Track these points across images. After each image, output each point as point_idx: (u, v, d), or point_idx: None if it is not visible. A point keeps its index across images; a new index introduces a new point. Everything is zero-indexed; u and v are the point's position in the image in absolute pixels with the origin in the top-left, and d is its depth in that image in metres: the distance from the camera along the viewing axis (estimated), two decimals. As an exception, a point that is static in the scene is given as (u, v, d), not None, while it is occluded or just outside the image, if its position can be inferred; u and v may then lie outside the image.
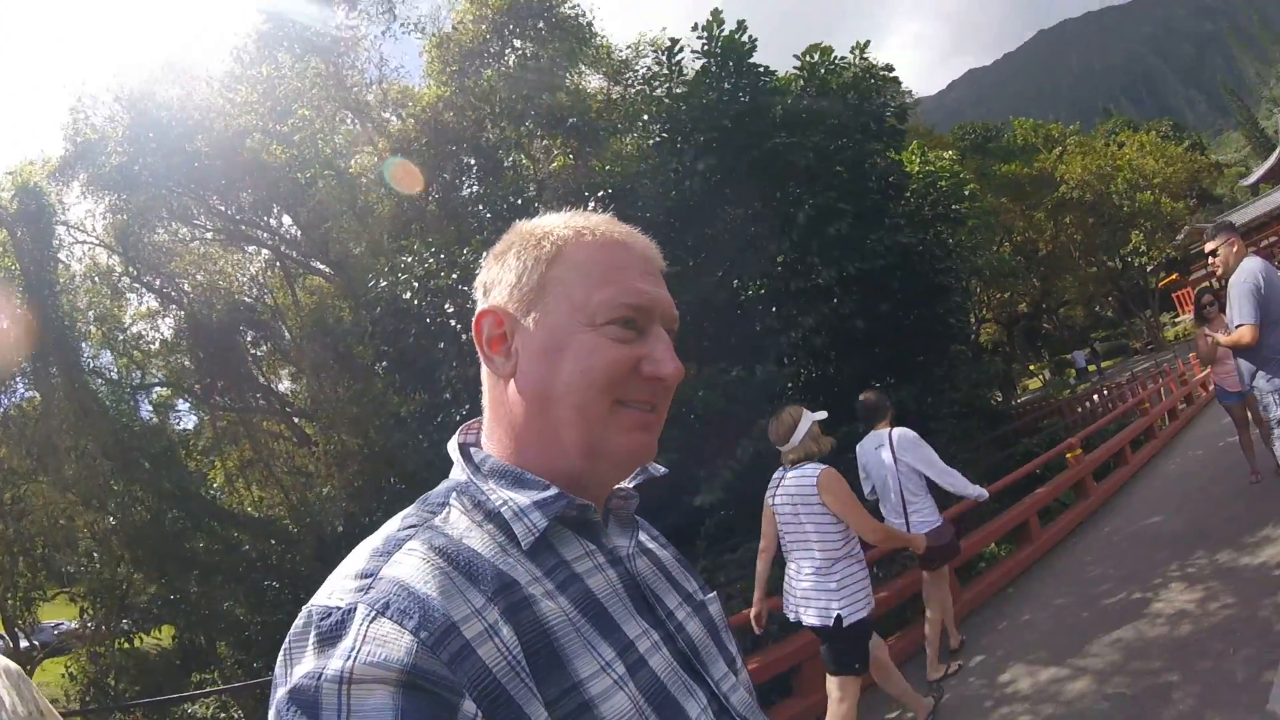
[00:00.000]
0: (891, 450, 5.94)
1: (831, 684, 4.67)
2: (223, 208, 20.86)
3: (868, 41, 13.97)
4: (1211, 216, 67.29)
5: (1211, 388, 12.46)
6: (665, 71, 14.30)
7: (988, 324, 41.35)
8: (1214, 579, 6.51)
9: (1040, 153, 39.42)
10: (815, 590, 4.51)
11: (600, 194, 12.62)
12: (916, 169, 16.01)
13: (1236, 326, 5.30)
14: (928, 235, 14.55)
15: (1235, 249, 5.52)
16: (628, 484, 1.09)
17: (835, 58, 13.87)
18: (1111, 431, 15.15)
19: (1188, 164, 47.78)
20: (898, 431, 5.99)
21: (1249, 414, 8.85)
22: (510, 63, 20.51)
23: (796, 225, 11.79)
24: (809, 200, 11.89)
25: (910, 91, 37.90)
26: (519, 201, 13.76)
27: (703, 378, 11.34)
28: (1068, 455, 11.57)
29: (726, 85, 12.81)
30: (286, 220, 21.89)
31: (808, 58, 13.79)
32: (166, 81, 18.90)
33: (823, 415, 4.68)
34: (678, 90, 13.66)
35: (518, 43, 21.65)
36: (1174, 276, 56.57)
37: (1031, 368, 50.73)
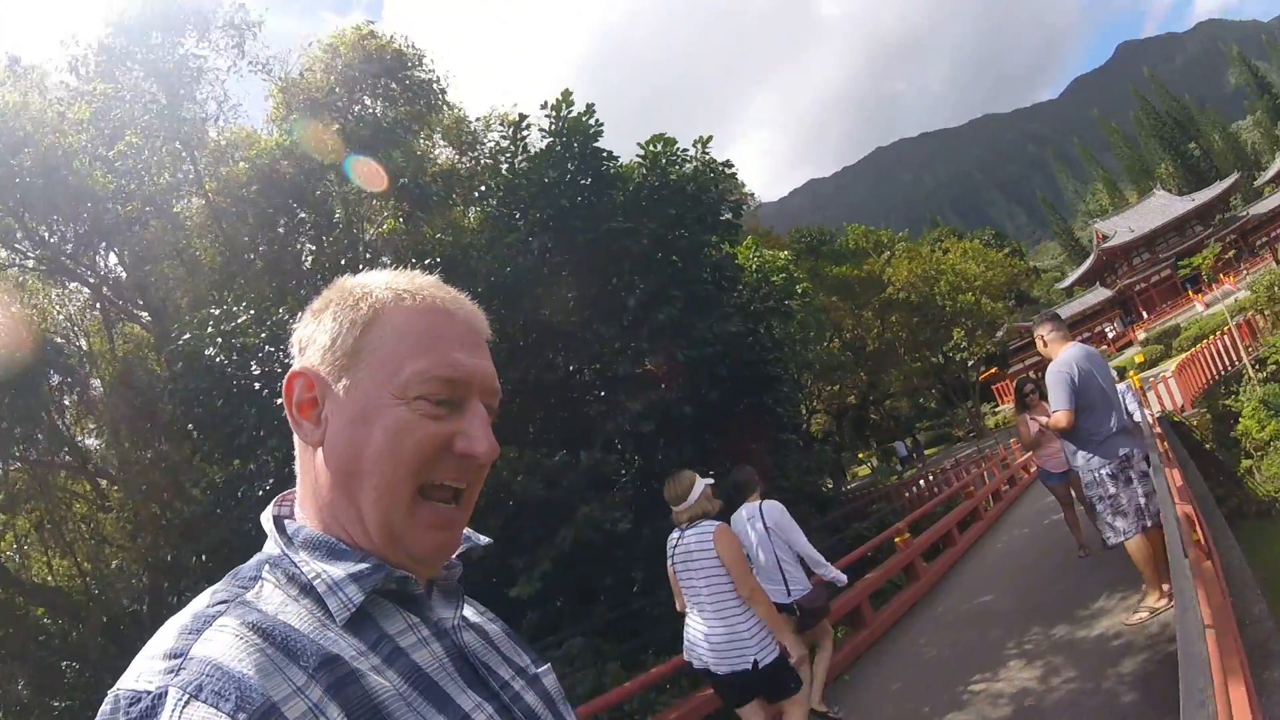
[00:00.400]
0: (763, 520, 6.24)
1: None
2: (46, 234, 18.91)
3: (710, 137, 14.28)
4: (1028, 316, 73.40)
5: (1034, 470, 13.07)
6: (511, 147, 14.24)
7: (818, 414, 43.24)
8: (1053, 654, 6.59)
9: (870, 256, 42.09)
10: (727, 642, 4.74)
11: (428, 261, 12.25)
12: (752, 264, 16.46)
13: (1053, 412, 5.84)
14: (758, 327, 14.83)
15: (1055, 339, 6.09)
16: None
17: (678, 149, 14.11)
18: (939, 514, 15.60)
19: (1007, 268, 52.17)
20: (768, 503, 6.34)
21: (1072, 492, 9.32)
22: (355, 118, 19.88)
23: (627, 309, 11.79)
24: (641, 285, 11.91)
25: (753, 194, 39.99)
26: (342, 261, 13.20)
27: (524, 462, 10.95)
28: (896, 540, 11.75)
29: (570, 166, 12.79)
30: (112, 259, 20.41)
31: (651, 147, 13.94)
32: (7, 84, 17.34)
33: (711, 480, 5.02)
34: (521, 165, 13.56)
35: (368, 100, 21.10)
36: (993, 370, 61.26)
37: (860, 456, 53.05)
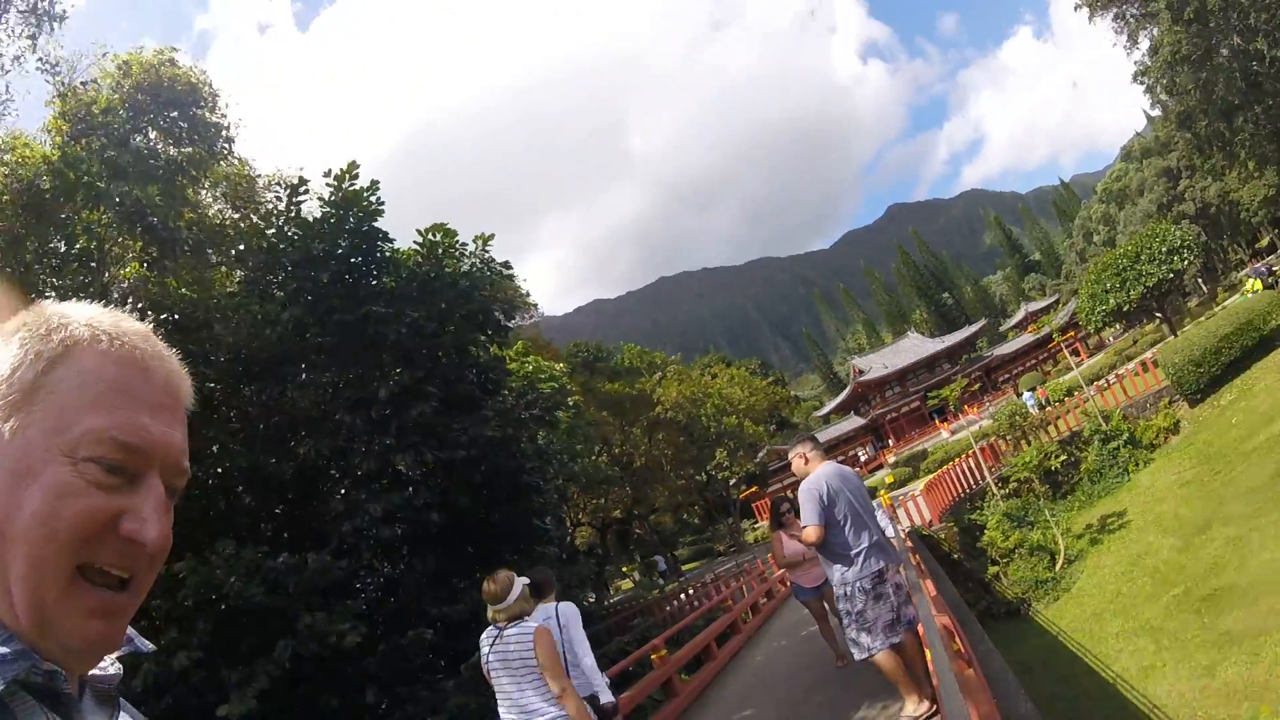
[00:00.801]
0: (558, 621, 6.40)
1: None
2: None
3: (491, 235, 13.94)
4: (788, 440, 77.90)
5: (789, 585, 13.14)
6: (284, 210, 13.11)
7: (583, 527, 43.19)
8: (819, 769, 6.27)
9: (643, 376, 43.41)
10: None
11: (164, 316, 10.84)
12: (524, 370, 16.07)
13: (804, 527, 6.02)
14: (520, 434, 14.18)
15: (808, 459, 6.31)
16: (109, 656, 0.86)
17: (457, 242, 13.67)
18: (700, 628, 15.51)
19: (769, 395, 55.42)
20: (563, 605, 6.55)
21: (825, 605, 9.33)
22: (132, 148, 17.74)
23: (379, 402, 10.85)
24: (397, 377, 11.10)
25: (537, 305, 40.18)
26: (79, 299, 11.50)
27: (241, 561, 9.62)
28: (653, 656, 11.28)
29: (342, 241, 11.99)
30: None
31: (430, 236, 13.42)
32: None
33: (527, 580, 5.35)
34: (290, 232, 12.53)
35: (153, 133, 18.93)
36: (754, 489, 63.78)
37: (624, 569, 53.09)
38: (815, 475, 6.13)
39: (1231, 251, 72.53)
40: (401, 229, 13.37)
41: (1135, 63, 37.69)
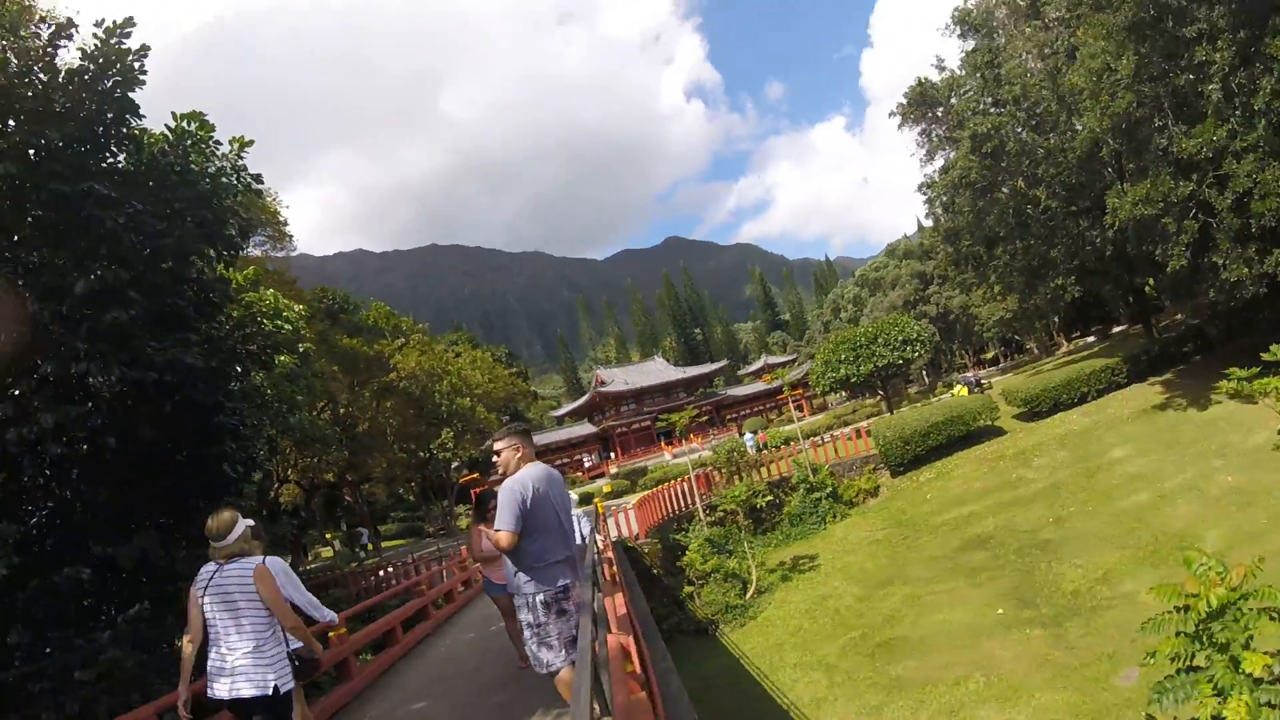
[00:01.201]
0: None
1: None
2: None
3: (251, 141, 12.32)
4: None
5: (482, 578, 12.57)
6: (39, 50, 10.72)
7: (290, 485, 40.11)
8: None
9: (385, 339, 41.06)
10: (252, 667, 5.18)
11: None
12: (252, 300, 14.51)
13: (496, 530, 5.51)
14: (231, 370, 12.64)
15: (519, 454, 5.84)
16: None
17: (212, 139, 12.00)
18: (391, 608, 14.86)
19: (509, 385, 54.51)
20: (271, 559, 6.29)
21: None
22: None
23: (73, 296, 9.10)
24: (100, 271, 9.39)
25: (293, 238, 36.86)
26: None
27: None
28: (330, 635, 10.38)
29: (90, 102, 10.05)
30: None
31: (183, 124, 11.76)
32: None
33: (252, 522, 5.66)
34: (35, 78, 10.24)
35: None
36: (475, 475, 62.86)
37: (328, 535, 50.25)
38: (523, 475, 5.68)
39: (959, 355, 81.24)
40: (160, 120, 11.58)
41: (925, 175, 41.29)
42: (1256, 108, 21.07)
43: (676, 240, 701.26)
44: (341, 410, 38.68)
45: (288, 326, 14.67)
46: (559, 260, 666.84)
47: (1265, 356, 10.31)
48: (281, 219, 35.37)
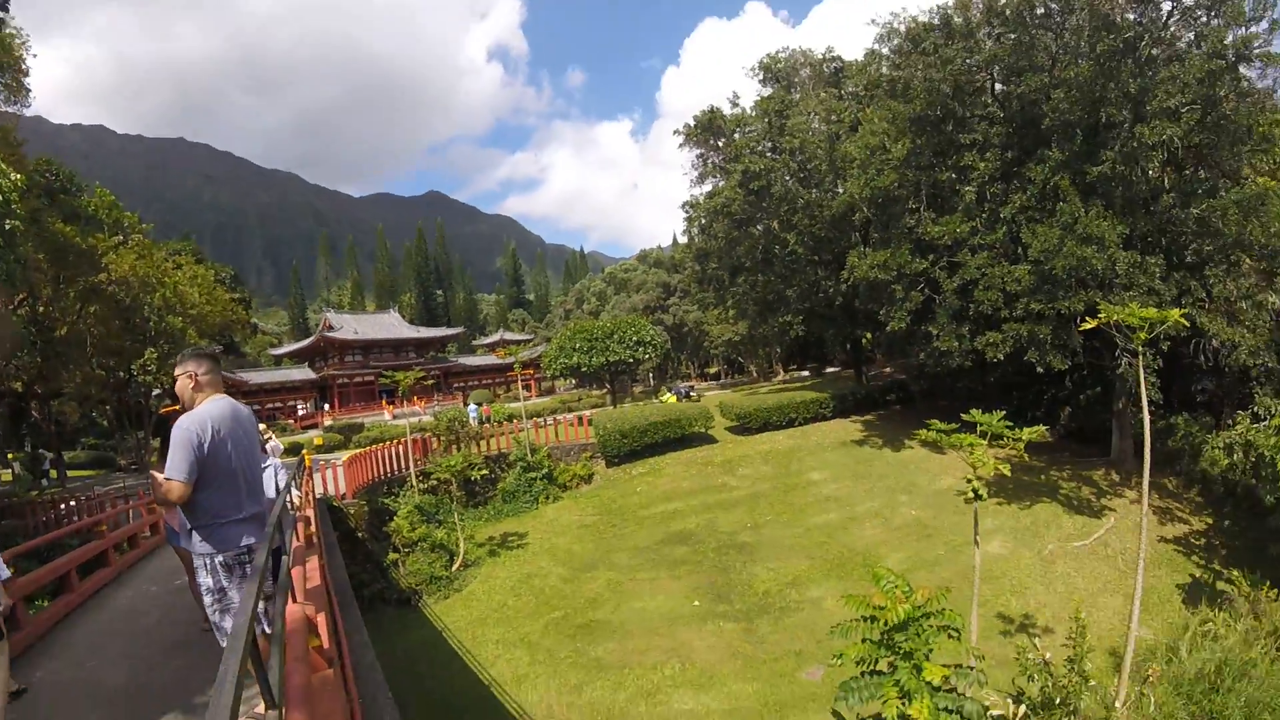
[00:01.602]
0: None
1: None
2: None
3: None
4: (232, 368, 72.39)
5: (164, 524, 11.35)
6: None
7: None
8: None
9: (103, 234, 35.97)
10: None
11: None
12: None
13: (166, 477, 4.53)
14: None
15: (197, 385, 4.95)
16: None
17: None
18: (70, 548, 13.32)
19: (227, 311, 50.07)
20: None
21: None
22: None
23: None
24: None
25: (30, 91, 31.36)
26: None
27: None
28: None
29: None
30: None
31: None
32: None
33: None
34: None
35: None
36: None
37: (10, 456, 43.31)
38: (202, 412, 4.76)
39: (685, 365, 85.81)
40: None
41: (692, 195, 43.80)
42: (1003, 215, 24.34)
43: (439, 196, 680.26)
44: (40, 308, 33.33)
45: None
46: (311, 187, 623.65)
47: (965, 417, 11.82)
48: (24, 65, 29.93)
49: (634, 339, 41.02)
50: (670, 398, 41.34)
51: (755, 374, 74.23)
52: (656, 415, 31.90)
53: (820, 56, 42.00)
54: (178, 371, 4.95)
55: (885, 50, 32.38)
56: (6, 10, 10.63)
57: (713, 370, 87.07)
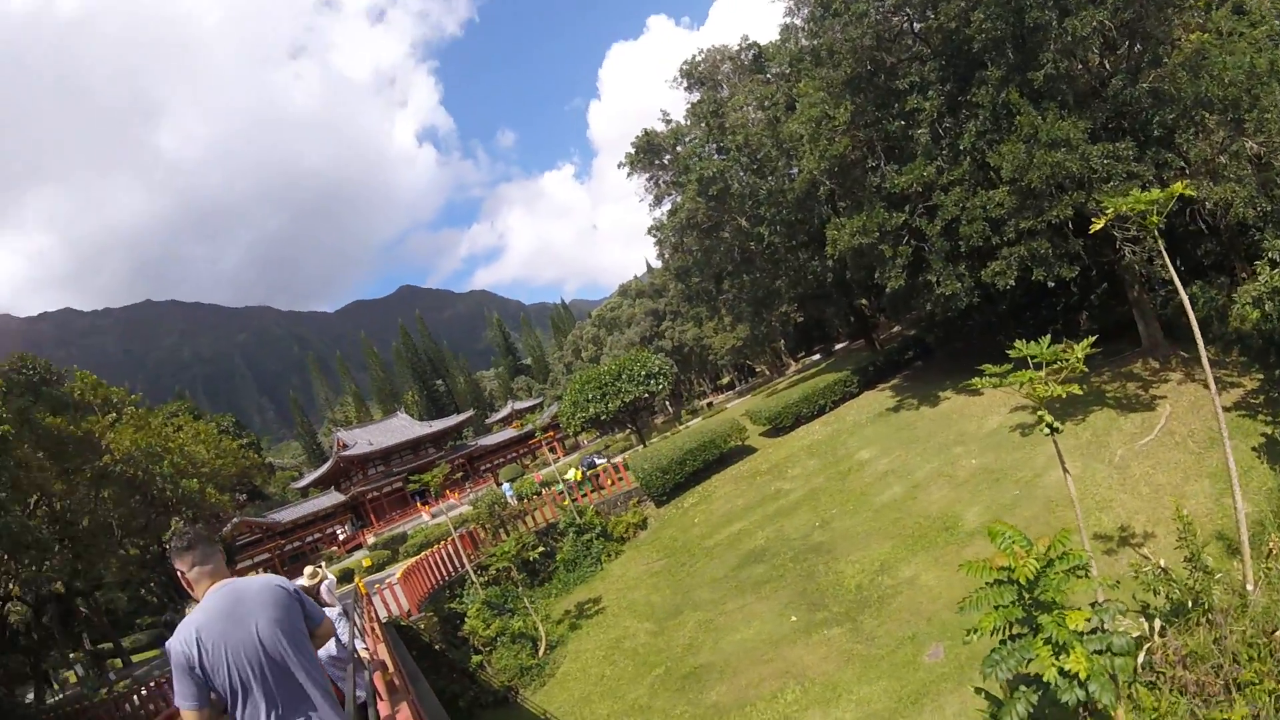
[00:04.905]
0: None
1: None
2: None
3: None
4: (262, 511, 72.12)
5: None
6: None
7: (15, 603, 33.59)
8: None
9: (95, 415, 35.83)
10: None
11: None
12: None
13: (177, 707, 3.91)
14: None
15: (188, 583, 4.16)
16: None
17: None
18: None
19: (240, 459, 50.02)
20: None
21: None
22: None
23: None
24: None
25: None
26: None
27: None
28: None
29: None
30: None
31: None
32: None
33: None
34: None
35: None
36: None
37: (72, 656, 42.69)
38: (187, 623, 3.97)
39: (696, 384, 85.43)
40: None
41: (654, 219, 43.89)
42: (962, 147, 24.21)
43: (410, 289, 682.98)
44: (58, 505, 33.05)
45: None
46: (286, 315, 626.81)
47: (1013, 352, 11.47)
48: None
49: (643, 374, 40.66)
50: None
51: (768, 373, 73.85)
52: (689, 442, 31.57)
53: (736, 48, 42.31)
54: (178, 568, 4.15)
55: (798, 22, 32.51)
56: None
57: (725, 381, 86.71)
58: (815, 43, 28.77)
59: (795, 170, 33.01)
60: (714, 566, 23.35)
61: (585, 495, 31.34)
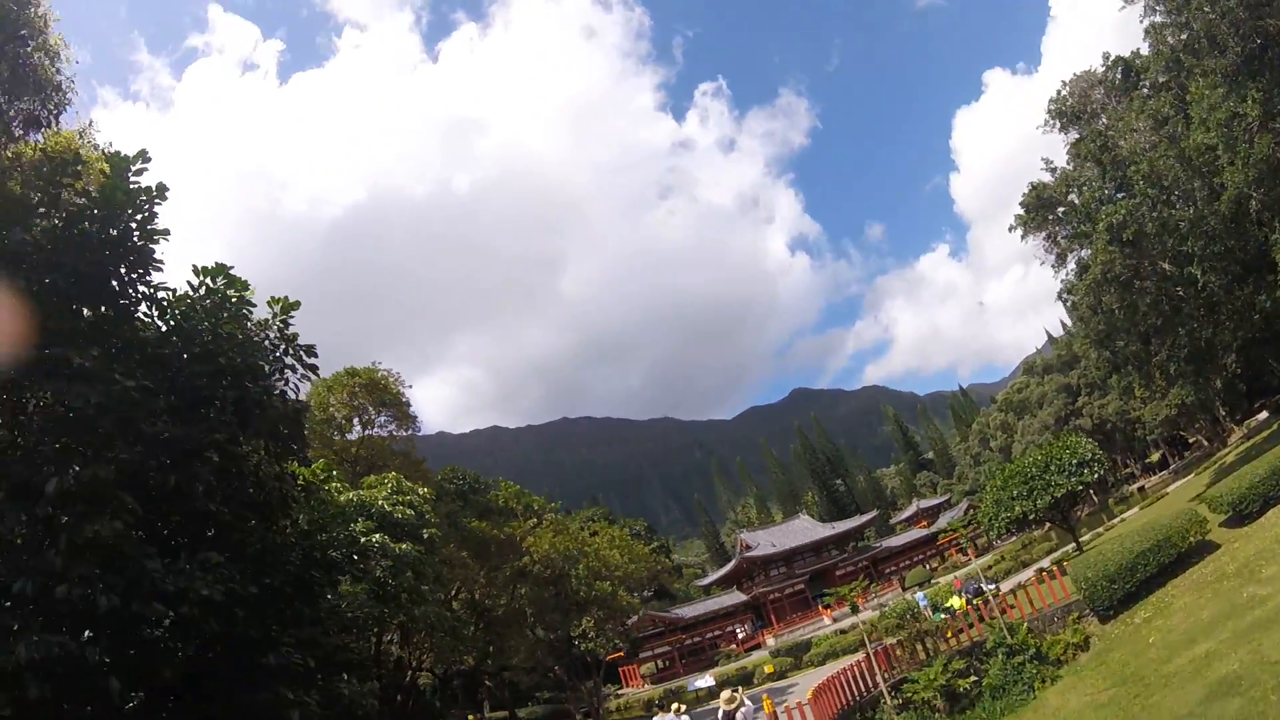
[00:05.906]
0: None
1: None
2: None
3: (296, 303, 10.26)
4: (666, 606, 74.58)
5: None
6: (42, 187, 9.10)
7: (425, 673, 37.82)
8: None
9: (516, 519, 39.29)
10: None
11: None
12: (338, 496, 12.75)
13: None
14: (292, 591, 9.98)
15: None
16: None
17: (247, 297, 10.12)
18: None
19: (650, 563, 51.74)
20: None
21: None
22: None
23: (44, 496, 7.05)
24: (79, 464, 7.35)
25: (416, 417, 36.61)
26: None
27: None
28: None
29: (97, 235, 8.62)
30: None
31: (208, 279, 9.86)
32: None
33: None
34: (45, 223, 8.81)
35: None
36: (620, 654, 60.00)
37: (470, 718, 47.45)
38: None
39: (1121, 465, 75.06)
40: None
41: (1061, 281, 39.04)
42: None
43: (802, 391, 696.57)
44: (477, 594, 36.82)
45: (409, 512, 13.38)
46: (687, 424, 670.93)
47: None
48: (404, 400, 35.61)
49: (1074, 462, 35.30)
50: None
51: (1206, 442, 61.88)
52: (1141, 542, 25.66)
53: (1102, 69, 37.10)
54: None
55: (1159, 19, 27.54)
56: (314, 354, 10.43)
57: (1154, 458, 74.44)
58: (1185, 36, 23.93)
59: (1218, 187, 27.24)
60: (1175, 700, 18.20)
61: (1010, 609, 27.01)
